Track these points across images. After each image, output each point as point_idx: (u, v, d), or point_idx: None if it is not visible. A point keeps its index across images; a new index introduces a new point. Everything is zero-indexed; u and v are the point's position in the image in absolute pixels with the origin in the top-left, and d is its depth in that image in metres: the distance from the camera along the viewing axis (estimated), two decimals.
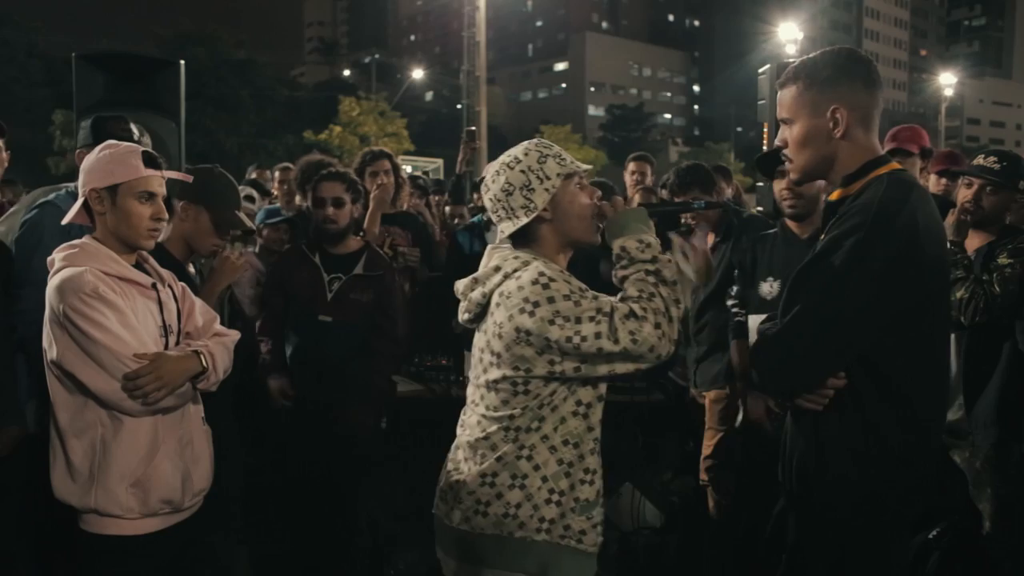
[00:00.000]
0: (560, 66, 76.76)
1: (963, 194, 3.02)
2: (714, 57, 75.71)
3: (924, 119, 52.48)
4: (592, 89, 74.05)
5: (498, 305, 1.89)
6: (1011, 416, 2.85)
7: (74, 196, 2.85)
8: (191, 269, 2.90)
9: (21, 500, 2.76)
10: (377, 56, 51.57)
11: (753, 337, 3.02)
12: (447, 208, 6.04)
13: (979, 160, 3.07)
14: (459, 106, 26.49)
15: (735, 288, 3.33)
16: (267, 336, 3.52)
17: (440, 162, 17.50)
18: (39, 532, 2.81)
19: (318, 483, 3.34)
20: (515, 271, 1.91)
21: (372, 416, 3.54)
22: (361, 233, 3.73)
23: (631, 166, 5.57)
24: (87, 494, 2.04)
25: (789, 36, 28.96)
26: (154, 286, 2.18)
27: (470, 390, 2.06)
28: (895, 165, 1.87)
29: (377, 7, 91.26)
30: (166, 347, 2.14)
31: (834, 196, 1.90)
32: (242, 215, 2.92)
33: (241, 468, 3.08)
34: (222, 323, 2.40)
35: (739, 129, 53.43)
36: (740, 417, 3.30)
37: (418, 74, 45.43)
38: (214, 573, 2.88)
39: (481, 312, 1.97)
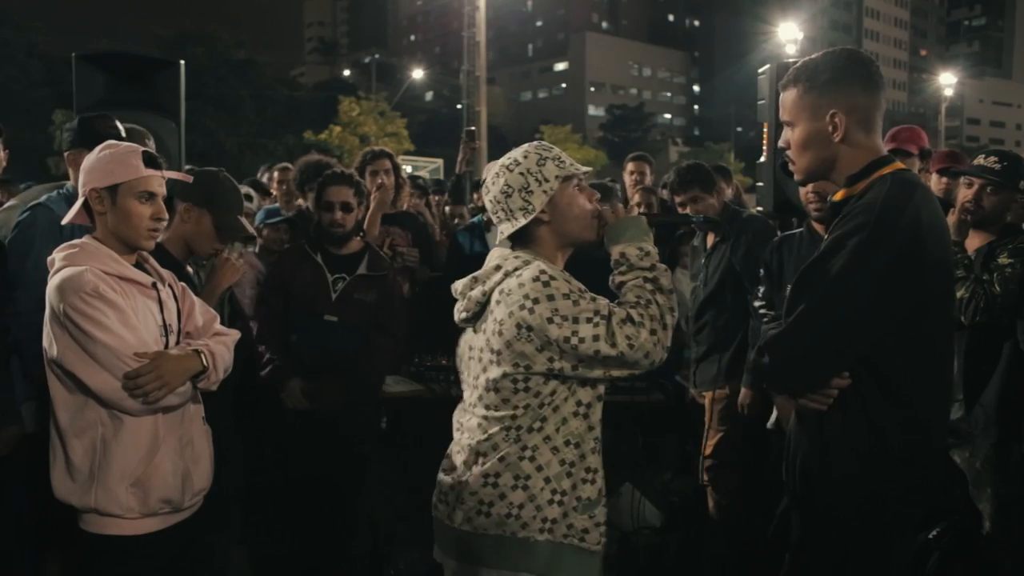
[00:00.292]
0: (560, 66, 76.78)
1: (963, 194, 3.02)
2: (714, 57, 75.73)
3: (924, 119, 52.50)
4: (592, 89, 74.07)
5: (498, 303, 1.91)
6: (1011, 416, 2.85)
7: (67, 197, 2.86)
8: (189, 269, 2.90)
9: (20, 500, 2.76)
10: (377, 56, 51.60)
11: None
12: (447, 208, 6.04)
13: (979, 160, 3.07)
14: (459, 106, 26.51)
15: (762, 289, 3.32)
16: (270, 338, 3.45)
17: (440, 162, 17.52)
18: (38, 532, 2.81)
19: (319, 483, 3.34)
20: (516, 269, 1.93)
21: (374, 416, 3.54)
22: (361, 234, 3.73)
23: (630, 166, 5.57)
24: (87, 494, 2.04)
25: (789, 36, 28.99)
26: (154, 286, 2.18)
27: (466, 392, 2.07)
28: (899, 165, 1.88)
29: (377, 7, 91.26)
30: (166, 346, 2.14)
31: (838, 196, 1.90)
32: (244, 221, 2.92)
33: (240, 468, 3.08)
34: (222, 323, 2.40)
35: (739, 129, 53.43)
36: (773, 417, 3.29)
37: (418, 74, 45.47)
38: (213, 573, 2.88)
39: (479, 311, 1.98)
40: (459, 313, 2.04)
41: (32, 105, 27.08)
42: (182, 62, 4.28)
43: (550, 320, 1.83)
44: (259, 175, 6.39)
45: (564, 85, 75.91)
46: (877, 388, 1.79)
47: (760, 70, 3.89)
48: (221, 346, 2.23)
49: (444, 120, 42.29)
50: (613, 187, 4.93)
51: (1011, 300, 2.79)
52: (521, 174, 1.95)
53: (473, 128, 5.90)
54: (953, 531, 2.92)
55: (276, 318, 3.48)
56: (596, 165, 37.82)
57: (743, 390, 3.55)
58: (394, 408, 3.95)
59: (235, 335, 2.35)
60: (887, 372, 1.79)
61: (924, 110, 66.00)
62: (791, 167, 1.98)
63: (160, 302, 2.18)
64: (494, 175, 2.00)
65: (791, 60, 3.45)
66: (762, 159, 3.83)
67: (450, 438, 2.09)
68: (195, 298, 2.35)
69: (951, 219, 2.94)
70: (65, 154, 2.98)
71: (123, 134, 2.96)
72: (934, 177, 3.80)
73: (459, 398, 2.13)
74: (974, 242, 3.02)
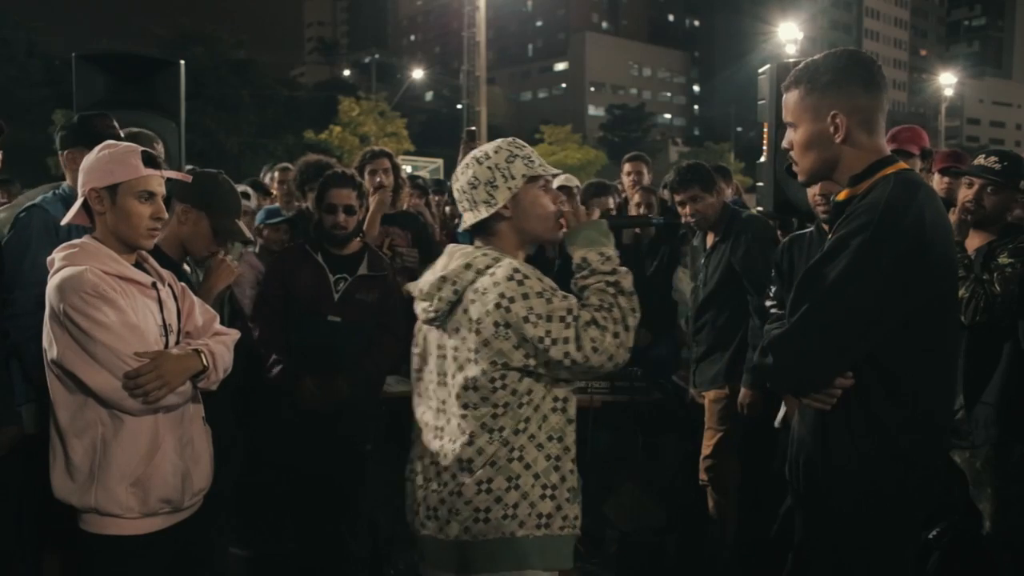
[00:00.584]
0: (560, 66, 76.79)
1: (964, 194, 3.02)
2: (714, 57, 75.73)
3: (924, 119, 52.48)
4: (592, 89, 74.08)
5: (473, 302, 1.93)
6: (1011, 416, 2.84)
7: (63, 197, 2.86)
8: (186, 268, 2.89)
9: (20, 500, 2.76)
10: (377, 56, 51.57)
11: None
12: (447, 208, 6.04)
13: (980, 160, 3.07)
14: (459, 106, 26.52)
15: (773, 289, 3.32)
16: (274, 339, 3.40)
17: (440, 162, 17.52)
18: (38, 532, 2.81)
19: (319, 483, 3.33)
20: (487, 267, 1.95)
21: (374, 415, 3.54)
22: (361, 235, 3.72)
23: (627, 166, 5.57)
24: (87, 493, 2.04)
25: (789, 36, 29.00)
26: (154, 285, 2.18)
27: (430, 390, 2.06)
28: (902, 165, 1.88)
29: (377, 7, 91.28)
30: (166, 346, 2.14)
31: (841, 196, 1.91)
32: (242, 224, 2.91)
33: (237, 468, 3.07)
34: (222, 323, 2.40)
35: (739, 129, 53.43)
36: (780, 415, 3.29)
37: (418, 74, 45.47)
38: (213, 573, 2.88)
39: (449, 310, 1.99)
40: (426, 312, 2.04)
41: (32, 105, 27.08)
42: (182, 62, 4.29)
43: (526, 319, 1.87)
44: (262, 175, 6.39)
45: (564, 85, 75.92)
46: (881, 387, 1.79)
47: (760, 70, 3.89)
48: (221, 346, 2.23)
49: (444, 120, 42.32)
50: (612, 185, 4.94)
51: (1011, 300, 2.79)
52: (489, 168, 2.00)
53: (473, 128, 5.91)
54: (953, 531, 2.92)
55: (278, 318, 3.46)
56: (596, 165, 37.85)
57: (743, 390, 3.55)
58: (394, 408, 3.95)
59: (235, 335, 2.35)
60: (891, 371, 1.79)
61: (924, 110, 66.00)
62: (795, 168, 1.99)
63: (160, 302, 2.18)
64: (464, 166, 2.06)
65: (791, 60, 3.44)
66: (762, 159, 3.83)
67: None
68: (195, 298, 2.35)
69: (951, 219, 2.94)
70: (62, 154, 2.98)
71: (121, 134, 2.95)
72: (936, 177, 3.80)
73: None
74: (974, 242, 3.02)
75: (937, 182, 3.77)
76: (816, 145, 1.89)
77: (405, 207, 4.74)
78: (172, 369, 2.05)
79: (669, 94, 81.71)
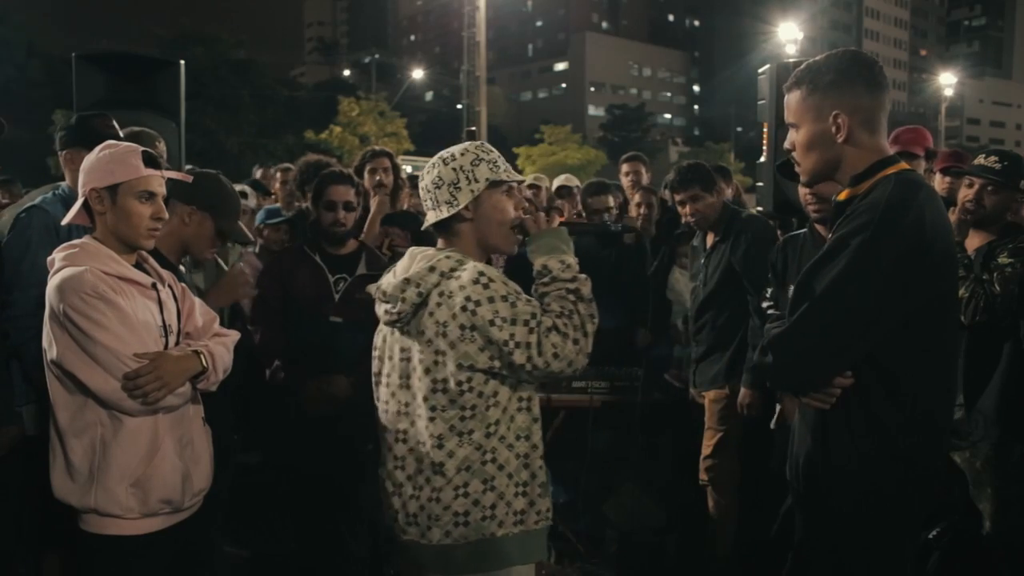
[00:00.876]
0: (560, 66, 76.77)
1: (964, 193, 3.02)
2: (714, 57, 75.73)
3: (924, 119, 52.47)
4: (592, 89, 74.07)
5: (439, 305, 1.94)
6: (1011, 416, 2.85)
7: (62, 198, 2.86)
8: (180, 269, 2.89)
9: (20, 500, 2.76)
10: (377, 56, 51.52)
11: None
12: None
13: (980, 160, 3.07)
14: (459, 106, 26.52)
15: (770, 290, 3.33)
16: (277, 341, 3.37)
17: None
18: (38, 532, 2.81)
19: (319, 483, 3.33)
20: (452, 270, 1.97)
21: (373, 415, 3.52)
22: (358, 235, 3.71)
23: (624, 167, 5.57)
24: (87, 494, 2.04)
25: (789, 36, 29.00)
26: (154, 286, 2.18)
27: (398, 394, 2.08)
28: (903, 165, 1.88)
29: (377, 7, 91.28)
30: (166, 347, 2.14)
31: (842, 196, 1.91)
32: (243, 225, 2.92)
33: (232, 470, 3.07)
34: (222, 324, 2.40)
35: (739, 129, 53.42)
36: (776, 416, 3.29)
37: (418, 74, 45.45)
38: (213, 573, 2.87)
39: (413, 312, 2.00)
40: (388, 315, 2.05)
41: (32, 105, 27.05)
42: (182, 62, 4.29)
43: (492, 323, 1.90)
44: (255, 174, 6.41)
45: (564, 85, 75.91)
46: (880, 387, 1.80)
47: (760, 70, 3.89)
48: (221, 347, 2.23)
49: (444, 120, 42.28)
50: (612, 184, 4.94)
51: (1011, 300, 2.79)
52: (454, 169, 2.03)
53: (473, 128, 5.94)
54: (953, 531, 2.92)
55: (279, 320, 3.44)
56: (596, 165, 37.86)
57: (743, 390, 3.55)
58: None
59: (235, 336, 2.35)
60: (891, 371, 1.79)
61: (924, 110, 66.01)
62: (796, 168, 1.99)
63: (160, 302, 2.18)
64: (431, 165, 2.09)
65: (791, 60, 3.44)
66: (762, 159, 3.84)
67: None
68: (195, 299, 2.35)
69: (951, 218, 2.94)
70: (61, 154, 2.97)
71: (120, 134, 2.95)
72: (937, 177, 3.80)
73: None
74: (974, 242, 3.02)
75: (938, 182, 3.77)
76: (818, 145, 1.89)
77: (405, 207, 4.74)
78: (171, 370, 2.05)
79: (669, 94, 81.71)
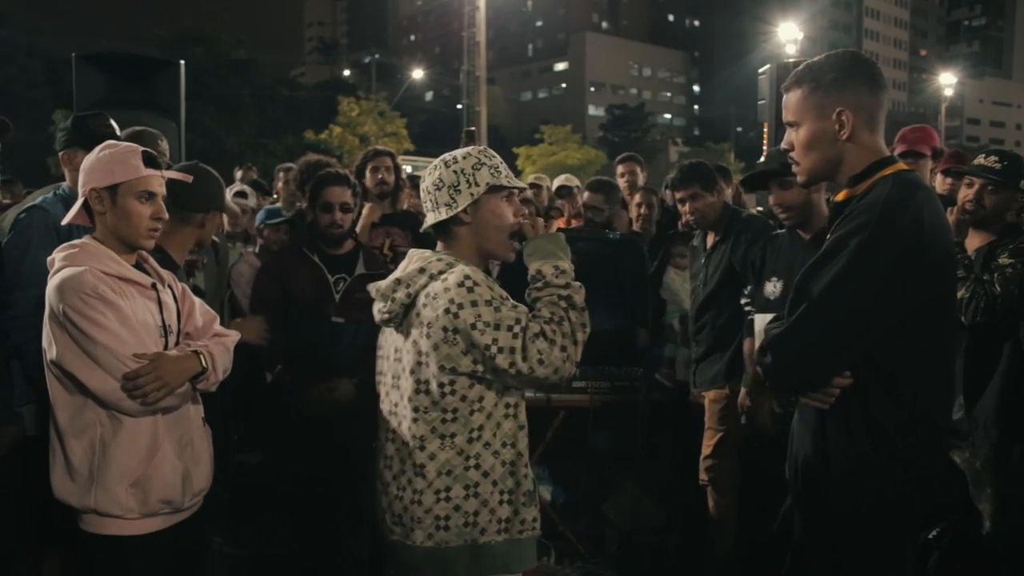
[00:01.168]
0: (560, 66, 76.76)
1: (964, 194, 3.03)
2: (714, 57, 75.71)
3: (924, 119, 52.32)
4: (592, 89, 74.06)
5: (425, 306, 1.95)
6: (1011, 416, 2.84)
7: (63, 198, 2.86)
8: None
9: (20, 500, 2.76)
10: (377, 56, 51.51)
11: (759, 337, 3.03)
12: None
13: (980, 160, 3.07)
14: (459, 106, 26.52)
15: (749, 288, 3.34)
16: (279, 343, 3.33)
17: None
18: (38, 532, 2.81)
19: (319, 483, 3.33)
20: (440, 273, 1.98)
21: (373, 415, 3.51)
22: (354, 235, 3.70)
23: (620, 168, 5.55)
24: (87, 494, 2.04)
25: (789, 36, 28.96)
26: (154, 286, 2.18)
27: (390, 394, 2.10)
28: (901, 165, 1.88)
29: (377, 7, 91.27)
30: (166, 347, 2.14)
31: (840, 197, 1.91)
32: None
33: (225, 470, 3.07)
34: (222, 324, 2.40)
35: (739, 129, 53.40)
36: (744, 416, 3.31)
37: (418, 74, 45.44)
38: (213, 573, 2.88)
39: (404, 312, 2.02)
40: (380, 313, 2.08)
41: (32, 105, 27.06)
42: (182, 62, 4.29)
43: (473, 326, 1.89)
44: (235, 175, 6.44)
45: (564, 85, 75.90)
46: (879, 387, 1.80)
47: (760, 70, 3.90)
48: (220, 347, 2.23)
49: (444, 120, 42.26)
50: (611, 183, 4.93)
51: (1012, 300, 2.79)
52: (455, 172, 2.03)
53: (473, 129, 5.93)
54: (953, 531, 2.92)
55: (279, 322, 3.41)
56: (596, 165, 37.84)
57: (743, 390, 3.55)
58: None
59: (235, 336, 2.35)
60: (889, 370, 1.79)
61: (924, 110, 66.00)
62: (795, 169, 1.98)
63: (160, 303, 2.18)
64: (432, 167, 2.09)
65: (791, 60, 3.45)
66: (762, 159, 3.83)
67: None
68: (195, 299, 2.34)
69: (950, 219, 2.94)
70: (60, 154, 2.97)
71: (119, 133, 2.95)
72: (939, 177, 3.80)
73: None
74: (974, 242, 3.02)
75: (939, 182, 3.77)
76: (819, 143, 1.89)
77: (405, 207, 4.74)
78: (171, 371, 2.04)
79: (669, 94, 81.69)
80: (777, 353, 1.84)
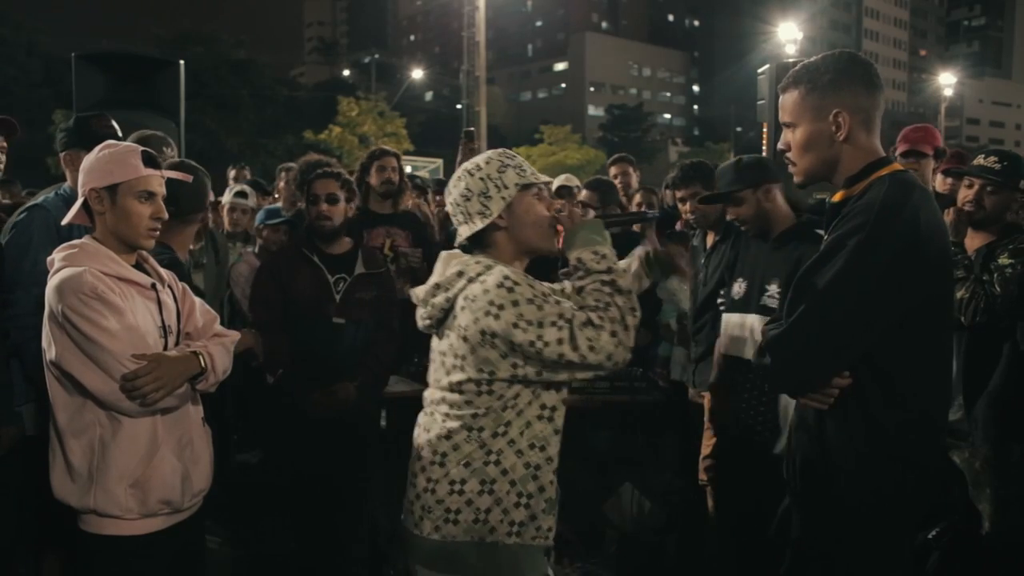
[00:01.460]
0: (560, 66, 76.76)
1: (964, 194, 3.03)
2: (714, 57, 75.71)
3: (923, 119, 52.23)
4: (592, 89, 74.05)
5: (463, 309, 1.92)
6: (1011, 417, 2.85)
7: (64, 198, 2.86)
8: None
9: (20, 500, 2.76)
10: (377, 56, 51.53)
11: (726, 336, 3.06)
12: (447, 208, 6.03)
13: (979, 160, 3.07)
14: (459, 106, 26.52)
15: (724, 288, 3.36)
16: (279, 345, 3.34)
17: (440, 162, 17.54)
18: (38, 532, 2.81)
19: (319, 483, 3.33)
20: (479, 275, 1.95)
21: (374, 415, 3.53)
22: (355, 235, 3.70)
23: (612, 169, 5.55)
24: (86, 494, 2.04)
25: (789, 36, 28.96)
26: (153, 286, 2.18)
27: (430, 394, 2.08)
28: (897, 166, 1.89)
29: (377, 7, 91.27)
30: (165, 347, 2.14)
31: (837, 197, 1.91)
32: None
33: (225, 470, 3.07)
34: (222, 324, 2.40)
35: (739, 129, 53.25)
36: (782, 443, 3.32)
37: (418, 74, 45.46)
38: (212, 573, 2.87)
39: (443, 317, 2.00)
40: (421, 320, 2.06)
41: (32, 105, 27.03)
42: (182, 62, 4.30)
43: (515, 325, 1.85)
44: (228, 176, 6.45)
45: (564, 85, 75.89)
46: (879, 387, 1.80)
47: (760, 70, 3.90)
48: (220, 348, 2.23)
49: (444, 120, 42.28)
50: (610, 182, 4.93)
51: (1011, 301, 2.79)
52: (481, 179, 1.99)
53: (472, 129, 5.92)
54: (953, 531, 2.92)
55: (280, 323, 3.41)
56: (596, 165, 37.78)
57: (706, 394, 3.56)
58: (394, 408, 3.95)
59: (235, 336, 2.35)
60: (888, 370, 1.80)
61: (924, 110, 66.01)
62: (791, 169, 1.99)
63: (159, 303, 2.18)
64: (456, 179, 2.05)
65: (790, 60, 3.45)
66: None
67: None
68: (195, 299, 2.34)
69: (947, 219, 2.94)
70: (61, 155, 2.97)
71: (120, 134, 2.95)
72: (939, 177, 3.80)
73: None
74: (974, 242, 3.02)
75: (939, 183, 3.77)
76: (816, 144, 1.89)
77: (409, 205, 4.76)
78: (170, 371, 2.04)
79: (669, 94, 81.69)
80: (776, 354, 1.84)
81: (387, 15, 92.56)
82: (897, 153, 3.76)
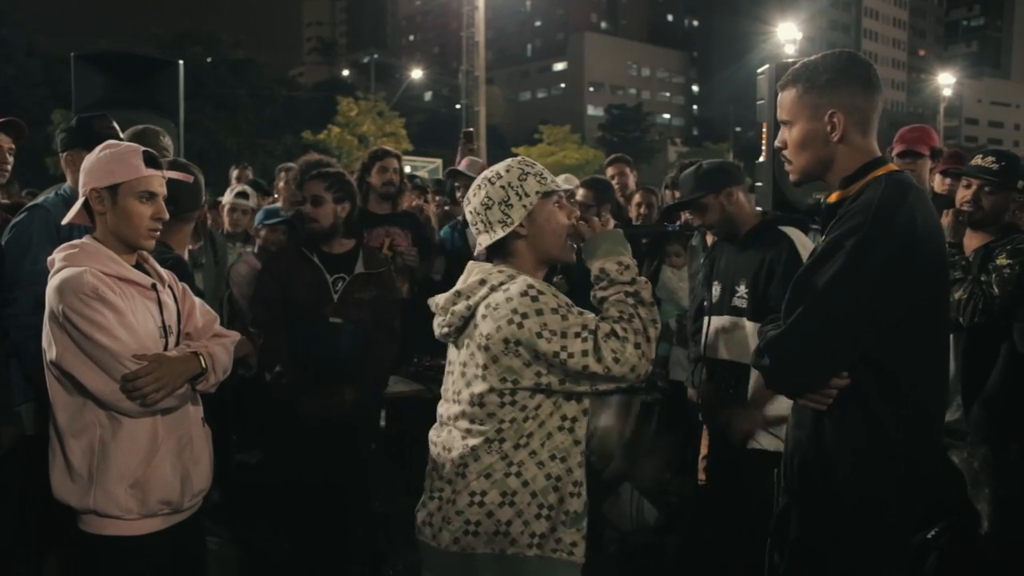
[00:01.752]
0: (559, 66, 76.76)
1: (962, 194, 3.03)
2: (713, 57, 75.75)
3: (923, 119, 52.35)
4: (591, 89, 74.05)
5: (484, 317, 1.90)
6: (1009, 417, 2.85)
7: (64, 198, 2.86)
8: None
9: (20, 501, 2.76)
10: (376, 56, 51.56)
11: (718, 338, 3.07)
12: (446, 208, 6.04)
13: (977, 160, 3.08)
14: (458, 106, 26.49)
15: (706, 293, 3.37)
16: (280, 346, 3.33)
17: (439, 162, 17.53)
18: (38, 532, 2.81)
19: (319, 483, 3.33)
20: (502, 284, 1.93)
21: (374, 415, 3.53)
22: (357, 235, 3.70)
23: (609, 170, 5.54)
24: (86, 495, 2.04)
25: (788, 36, 28.99)
26: (154, 286, 2.18)
27: (447, 407, 2.06)
28: (892, 167, 1.90)
29: (376, 7, 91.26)
30: (165, 348, 2.14)
31: (833, 198, 1.92)
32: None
33: (225, 470, 3.08)
34: (221, 324, 2.40)
35: (738, 129, 53.37)
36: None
37: (417, 74, 45.46)
38: (212, 573, 2.87)
39: (463, 325, 1.98)
40: (440, 328, 2.04)
41: (32, 105, 26.99)
42: (181, 62, 4.30)
43: (539, 335, 1.84)
44: (231, 175, 6.45)
45: (563, 85, 75.88)
46: (877, 387, 1.80)
47: (759, 70, 3.89)
48: (220, 348, 2.23)
49: (443, 120, 42.25)
50: (611, 185, 4.93)
51: (1009, 301, 2.79)
52: (502, 187, 1.97)
53: (471, 129, 5.92)
54: (952, 531, 2.92)
55: (280, 323, 3.40)
56: (595, 165, 37.79)
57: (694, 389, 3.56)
58: (394, 408, 3.95)
59: (235, 336, 2.35)
60: (889, 371, 1.80)
61: (923, 110, 66.04)
62: (787, 167, 1.99)
63: (160, 303, 2.18)
64: (476, 187, 2.03)
65: (790, 60, 3.44)
66: (761, 159, 3.83)
67: None
68: (195, 299, 2.34)
69: (945, 219, 2.94)
70: (62, 155, 2.98)
71: (120, 134, 2.96)
72: (937, 178, 3.80)
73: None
74: (972, 243, 3.03)
75: (938, 183, 3.77)
76: (811, 143, 1.90)
77: (412, 205, 4.76)
78: (170, 372, 2.04)
79: (668, 94, 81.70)
80: (774, 355, 1.84)
81: (386, 15, 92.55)
82: (893, 153, 3.76)
